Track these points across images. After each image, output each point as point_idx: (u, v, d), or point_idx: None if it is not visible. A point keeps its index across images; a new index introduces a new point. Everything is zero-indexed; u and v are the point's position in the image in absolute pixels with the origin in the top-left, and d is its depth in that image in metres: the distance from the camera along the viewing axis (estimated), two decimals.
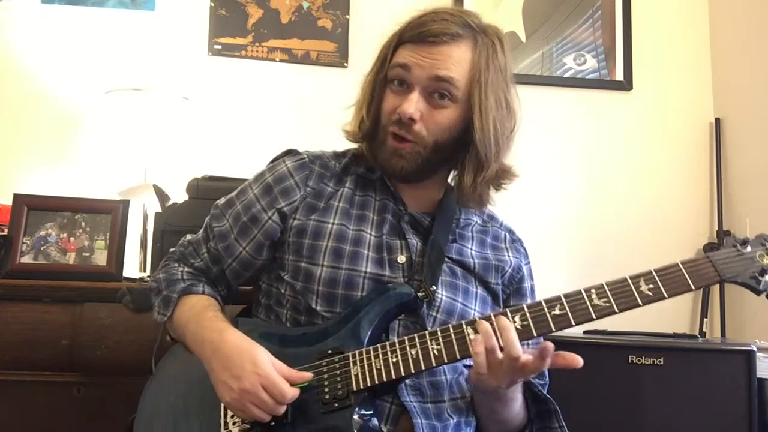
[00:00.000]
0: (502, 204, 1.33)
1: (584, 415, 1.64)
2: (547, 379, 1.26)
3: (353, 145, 1.27)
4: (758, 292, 1.02)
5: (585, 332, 1.86)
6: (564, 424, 1.16)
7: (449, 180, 1.27)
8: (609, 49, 2.48)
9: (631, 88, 2.48)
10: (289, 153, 1.25)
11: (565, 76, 2.45)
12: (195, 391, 1.11)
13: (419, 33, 1.12)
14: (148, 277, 1.73)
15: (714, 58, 2.52)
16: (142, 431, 1.14)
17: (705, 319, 2.30)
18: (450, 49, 1.12)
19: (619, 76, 2.47)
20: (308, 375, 1.03)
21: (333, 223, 1.16)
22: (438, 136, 1.14)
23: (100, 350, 1.52)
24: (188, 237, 1.28)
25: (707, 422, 1.63)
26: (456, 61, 1.12)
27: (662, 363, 1.66)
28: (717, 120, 2.45)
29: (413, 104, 1.11)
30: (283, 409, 1.00)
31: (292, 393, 1.00)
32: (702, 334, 2.25)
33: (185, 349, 1.16)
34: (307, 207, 1.17)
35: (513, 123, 1.19)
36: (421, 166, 1.16)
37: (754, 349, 1.64)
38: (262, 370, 0.99)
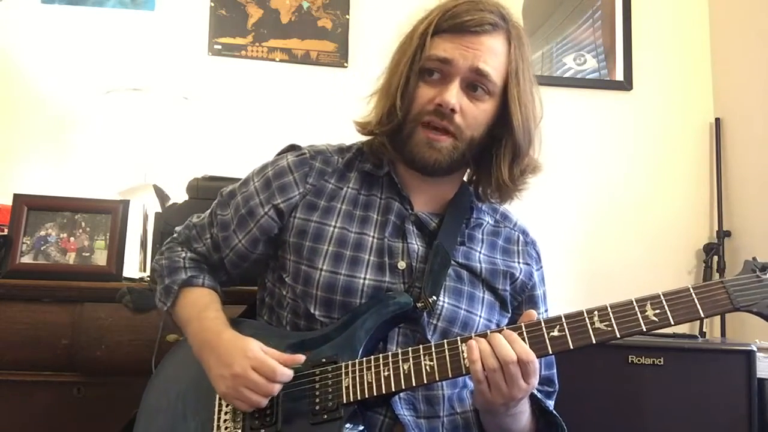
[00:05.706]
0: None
1: (584, 415, 1.63)
2: (557, 386, 1.23)
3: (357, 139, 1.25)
4: None
5: None
6: None
7: (464, 178, 1.24)
8: (609, 49, 2.47)
9: (631, 88, 2.48)
10: (293, 148, 1.24)
11: (565, 76, 2.45)
12: (191, 392, 1.11)
13: (459, 23, 1.09)
14: (147, 277, 1.73)
15: (714, 58, 2.52)
16: (142, 429, 1.15)
17: (705, 319, 2.30)
18: (490, 41, 1.10)
19: (619, 76, 2.47)
20: (300, 357, 1.03)
21: (335, 226, 1.14)
22: (475, 131, 1.12)
23: (100, 350, 1.52)
24: (194, 219, 1.28)
25: (707, 422, 1.63)
26: (496, 53, 1.11)
27: (662, 363, 1.66)
28: (717, 120, 2.45)
29: (455, 95, 1.08)
30: (277, 388, 1.00)
31: (283, 371, 1.00)
32: (702, 334, 2.24)
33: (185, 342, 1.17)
34: (307, 205, 1.16)
35: (540, 114, 1.18)
36: (456, 161, 1.13)
37: (754, 349, 1.63)
38: (251, 353, 1.01)
